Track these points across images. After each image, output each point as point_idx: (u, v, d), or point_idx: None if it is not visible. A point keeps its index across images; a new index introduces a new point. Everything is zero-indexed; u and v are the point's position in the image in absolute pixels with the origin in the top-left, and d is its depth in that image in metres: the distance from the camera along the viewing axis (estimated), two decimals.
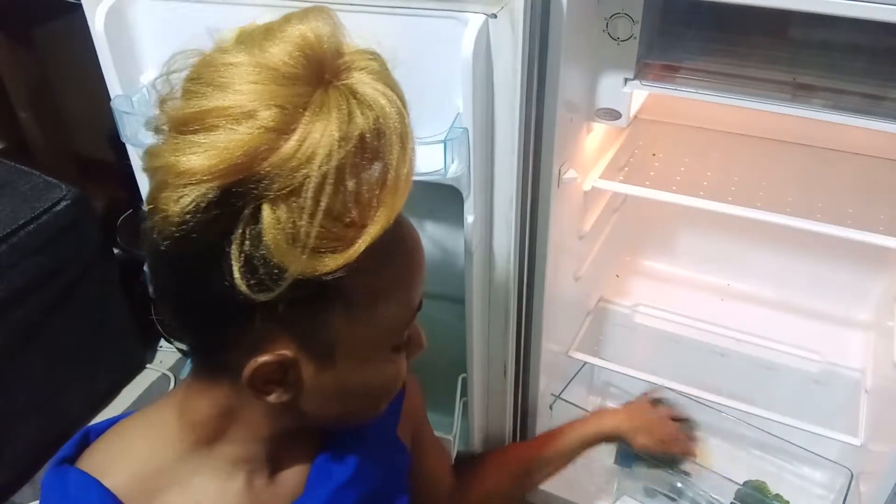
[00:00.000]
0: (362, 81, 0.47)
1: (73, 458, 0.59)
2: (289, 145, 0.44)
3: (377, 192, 0.47)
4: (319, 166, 0.44)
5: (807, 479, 1.16)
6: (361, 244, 0.47)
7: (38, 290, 1.25)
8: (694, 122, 1.19)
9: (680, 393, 1.12)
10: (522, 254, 0.90)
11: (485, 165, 0.79)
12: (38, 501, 0.61)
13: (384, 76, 0.49)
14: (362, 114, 0.46)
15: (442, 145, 0.73)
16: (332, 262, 0.46)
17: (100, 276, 1.37)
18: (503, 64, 0.74)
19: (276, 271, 0.45)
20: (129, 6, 0.80)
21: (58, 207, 1.26)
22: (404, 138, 0.48)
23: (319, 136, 0.44)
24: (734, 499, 1.09)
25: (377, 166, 0.47)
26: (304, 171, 0.44)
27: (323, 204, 0.44)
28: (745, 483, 1.12)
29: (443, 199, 0.84)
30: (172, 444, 0.58)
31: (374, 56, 0.50)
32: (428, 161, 0.76)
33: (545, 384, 1.10)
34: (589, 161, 1.02)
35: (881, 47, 0.86)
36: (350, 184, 0.46)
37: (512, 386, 1.00)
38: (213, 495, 0.58)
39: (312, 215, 0.44)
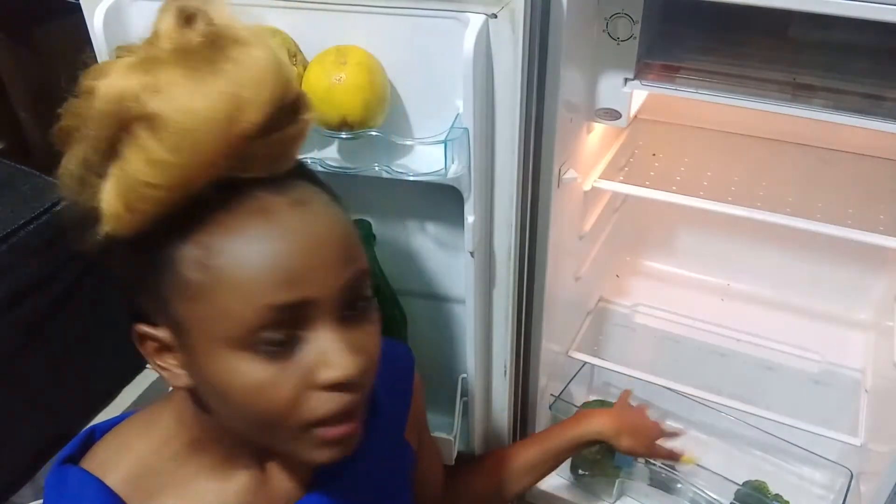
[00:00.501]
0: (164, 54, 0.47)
1: (76, 457, 0.59)
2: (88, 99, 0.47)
3: (159, 153, 0.46)
4: (99, 118, 0.46)
5: (807, 479, 1.16)
6: (141, 203, 0.46)
7: (38, 290, 1.25)
8: (694, 122, 1.19)
9: (680, 393, 1.12)
10: (523, 254, 0.90)
11: (485, 165, 0.79)
12: (38, 501, 0.61)
13: (193, 58, 0.47)
14: (143, 79, 0.46)
15: (443, 145, 0.73)
16: (124, 219, 0.47)
17: (100, 276, 1.37)
18: (503, 64, 0.74)
19: (89, 222, 0.48)
20: (129, 6, 0.80)
21: (58, 207, 1.26)
22: (191, 115, 0.46)
23: (103, 91, 0.46)
24: (734, 499, 1.09)
25: (162, 128, 0.46)
26: (89, 123, 0.47)
27: (87, 151, 0.47)
28: (745, 483, 1.12)
29: (443, 199, 0.84)
30: (170, 444, 0.58)
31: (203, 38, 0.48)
32: (429, 161, 0.76)
33: (545, 384, 1.10)
34: (589, 161, 1.02)
35: (881, 47, 0.86)
36: (132, 139, 0.46)
37: (512, 386, 1.00)
38: (211, 496, 0.58)
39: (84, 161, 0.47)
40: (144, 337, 0.53)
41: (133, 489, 0.56)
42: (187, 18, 0.48)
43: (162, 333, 0.52)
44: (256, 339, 0.48)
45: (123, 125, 0.46)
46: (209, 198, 0.47)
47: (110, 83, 0.46)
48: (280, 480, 0.61)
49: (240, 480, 0.59)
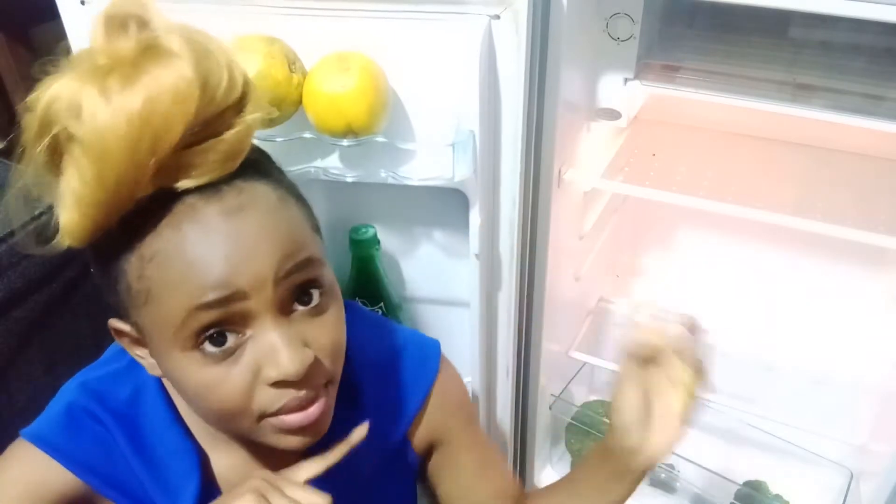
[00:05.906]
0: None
1: None
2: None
3: (81, 156, 0.46)
4: (40, 117, 0.47)
5: (807, 479, 1.16)
6: (75, 201, 0.47)
7: (38, 290, 1.25)
8: (694, 122, 1.19)
9: None
10: (524, 254, 0.90)
11: (489, 168, 0.79)
12: None
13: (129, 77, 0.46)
14: (70, 97, 0.46)
15: (449, 149, 0.72)
16: (77, 231, 0.49)
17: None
18: (507, 65, 0.74)
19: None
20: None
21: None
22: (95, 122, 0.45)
23: (46, 93, 0.47)
24: (734, 499, 1.09)
25: (84, 149, 0.46)
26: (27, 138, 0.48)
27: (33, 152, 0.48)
28: (745, 483, 1.12)
29: (446, 203, 0.84)
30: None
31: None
32: (433, 165, 0.76)
33: (545, 384, 1.10)
34: (589, 161, 1.02)
35: (881, 47, 0.86)
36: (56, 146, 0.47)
37: (512, 386, 1.00)
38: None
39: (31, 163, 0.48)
40: (118, 331, 0.56)
41: None
42: (118, 26, 0.47)
43: (130, 329, 0.54)
44: (200, 340, 0.49)
45: (54, 143, 0.47)
46: (149, 209, 0.48)
47: (44, 99, 0.46)
48: (266, 465, 0.63)
49: (226, 455, 0.62)
